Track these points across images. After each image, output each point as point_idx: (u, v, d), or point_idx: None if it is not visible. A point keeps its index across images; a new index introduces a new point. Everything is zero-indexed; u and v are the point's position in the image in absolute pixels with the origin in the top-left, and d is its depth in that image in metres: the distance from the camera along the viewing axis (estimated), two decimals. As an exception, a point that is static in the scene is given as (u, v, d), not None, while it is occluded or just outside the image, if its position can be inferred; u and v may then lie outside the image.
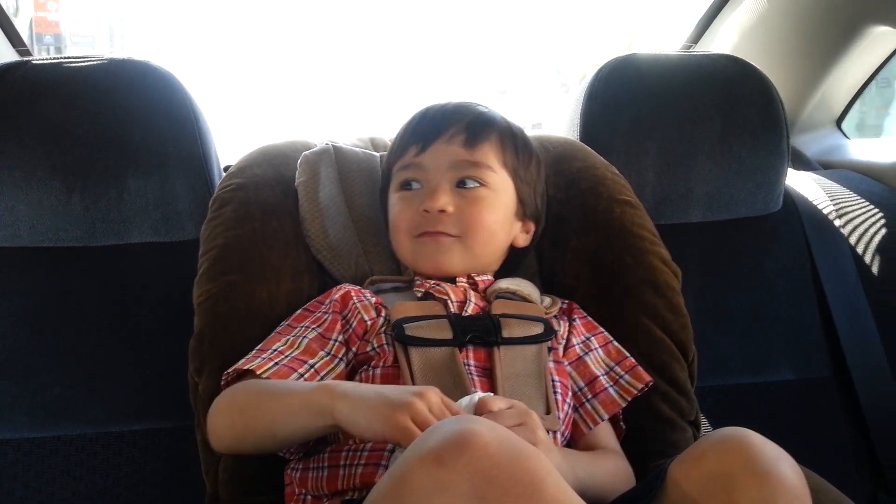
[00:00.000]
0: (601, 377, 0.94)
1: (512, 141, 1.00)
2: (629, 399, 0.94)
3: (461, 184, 0.96)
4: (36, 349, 1.13)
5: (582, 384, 0.94)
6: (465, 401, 0.75)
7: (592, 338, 0.98)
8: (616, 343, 0.97)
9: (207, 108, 1.25)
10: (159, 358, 1.13)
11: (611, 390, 0.94)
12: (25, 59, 1.21)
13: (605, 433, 0.94)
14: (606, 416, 0.93)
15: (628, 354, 0.96)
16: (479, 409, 0.73)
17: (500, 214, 0.97)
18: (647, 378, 0.94)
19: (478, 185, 0.96)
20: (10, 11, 1.53)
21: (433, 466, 0.55)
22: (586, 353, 0.96)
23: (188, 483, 0.98)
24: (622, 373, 0.95)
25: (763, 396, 1.26)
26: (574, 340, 0.96)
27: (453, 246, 0.95)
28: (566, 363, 0.94)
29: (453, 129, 0.97)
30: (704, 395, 1.08)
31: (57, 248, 1.16)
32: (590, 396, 0.94)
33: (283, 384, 0.82)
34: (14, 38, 1.45)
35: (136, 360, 1.14)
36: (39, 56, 1.23)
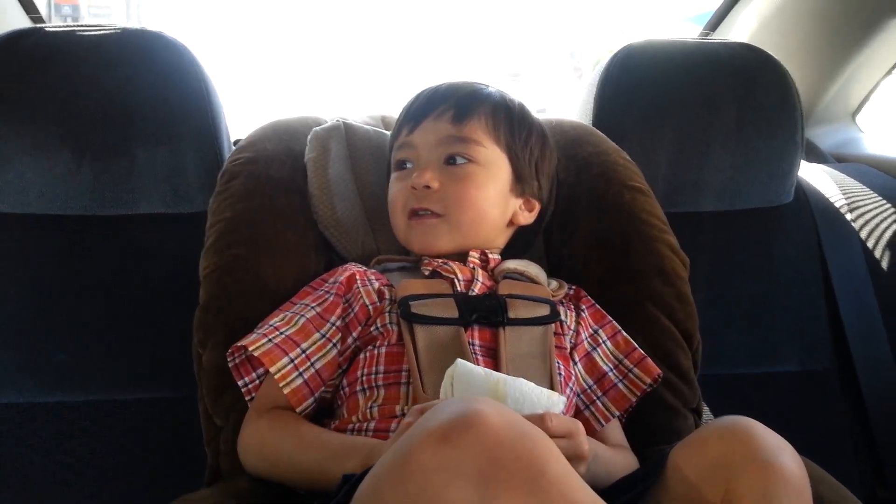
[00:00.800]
0: (609, 373, 0.94)
1: (506, 116, 0.99)
2: (639, 394, 0.94)
3: (451, 161, 0.95)
4: (43, 315, 1.13)
5: (591, 382, 0.94)
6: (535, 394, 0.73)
7: (600, 330, 0.97)
8: (624, 333, 0.97)
9: (219, 80, 1.25)
10: (165, 328, 1.13)
11: (620, 386, 0.94)
12: (38, 25, 1.20)
13: (615, 430, 0.94)
14: (617, 413, 0.93)
15: (637, 346, 0.96)
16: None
17: (489, 191, 0.96)
18: (657, 371, 0.94)
19: (466, 161, 0.95)
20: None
21: (438, 444, 0.54)
22: (594, 349, 0.96)
23: (190, 453, 0.98)
24: (631, 366, 0.95)
25: (766, 386, 1.26)
26: (583, 335, 0.96)
27: (439, 226, 0.95)
28: (577, 358, 0.94)
29: (443, 106, 0.97)
30: (708, 383, 1.07)
31: (65, 216, 1.16)
32: (600, 394, 0.94)
33: (317, 441, 0.81)
34: (28, 6, 1.44)
35: (142, 330, 1.15)
36: (53, 24, 1.22)
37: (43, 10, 1.52)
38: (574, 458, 0.71)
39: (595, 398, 0.94)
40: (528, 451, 0.55)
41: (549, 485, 0.54)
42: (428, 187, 0.94)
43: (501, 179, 0.98)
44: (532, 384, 0.74)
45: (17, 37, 1.14)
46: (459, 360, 0.74)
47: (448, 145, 0.96)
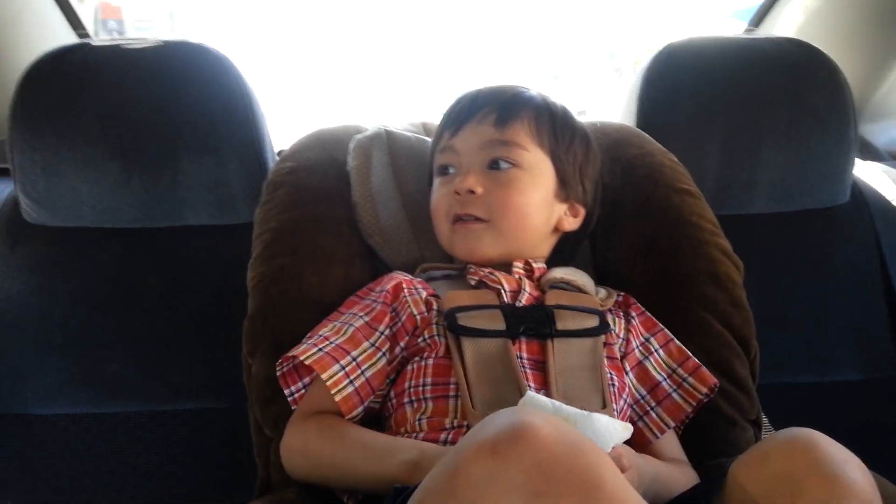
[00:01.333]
0: (663, 383, 0.92)
1: (549, 120, 0.97)
2: (695, 404, 0.91)
3: (494, 165, 0.94)
4: (95, 327, 1.16)
5: (644, 392, 0.92)
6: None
7: (652, 338, 0.95)
8: (677, 341, 0.94)
9: (261, 91, 1.26)
10: (215, 339, 1.14)
11: (675, 395, 0.91)
12: (85, 41, 1.23)
13: (671, 442, 0.92)
14: (673, 424, 0.91)
15: (691, 354, 0.93)
16: None
17: (533, 196, 0.94)
18: (713, 381, 0.91)
19: (510, 165, 0.94)
20: (76, -1, 1.56)
21: (488, 457, 0.53)
22: (646, 358, 0.93)
23: (240, 463, 0.99)
24: (685, 375, 0.92)
25: (827, 397, 1.22)
26: (633, 343, 0.93)
27: (484, 232, 0.93)
28: (628, 368, 0.92)
29: (485, 110, 0.96)
30: (764, 393, 1.04)
31: (116, 229, 1.18)
32: (654, 404, 0.92)
33: (361, 441, 0.81)
34: (74, 22, 1.47)
35: (192, 341, 1.16)
36: (99, 38, 1.24)
37: (89, 26, 1.55)
38: None
39: (649, 409, 0.91)
40: (581, 463, 0.53)
41: (604, 499, 0.52)
42: (472, 192, 0.93)
43: (546, 184, 0.96)
44: (605, 418, 0.71)
45: (64, 53, 1.17)
46: (529, 394, 0.72)
47: (491, 149, 0.94)
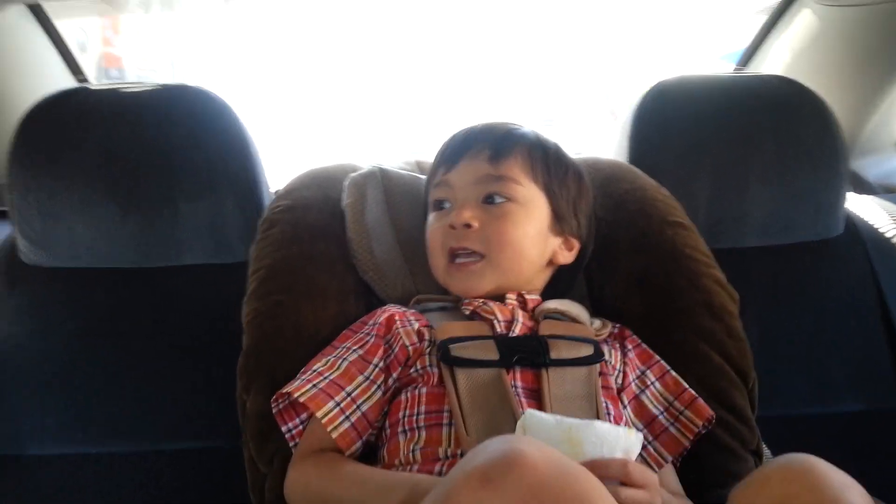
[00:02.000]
0: (660, 416, 0.92)
1: (542, 155, 0.99)
2: (691, 438, 0.91)
3: (489, 200, 0.95)
4: (90, 367, 1.15)
5: (641, 426, 0.92)
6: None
7: (648, 371, 0.95)
8: (674, 373, 0.94)
9: (258, 132, 1.27)
10: (210, 378, 1.14)
11: (672, 429, 0.91)
12: (83, 84, 1.25)
13: (669, 476, 0.91)
14: (671, 458, 0.90)
15: (687, 386, 0.93)
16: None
17: (528, 229, 0.95)
18: (709, 413, 0.91)
19: (504, 200, 0.95)
20: (79, 47, 1.60)
21: (479, 485, 0.53)
22: (643, 391, 0.93)
23: (238, 501, 0.98)
24: (682, 408, 0.92)
25: (829, 428, 1.21)
26: (630, 376, 0.93)
27: (482, 269, 0.94)
28: (626, 402, 0.92)
29: (479, 146, 0.98)
30: (766, 424, 1.03)
31: (112, 269, 1.18)
32: (651, 439, 0.91)
33: (357, 479, 0.80)
34: (74, 69, 1.50)
35: (188, 381, 1.15)
36: (97, 83, 1.27)
37: (91, 74, 1.58)
38: None
39: (646, 443, 0.91)
40: (572, 489, 0.53)
41: None
42: (468, 226, 0.94)
43: (540, 218, 0.97)
44: (607, 425, 0.72)
45: (63, 96, 1.19)
46: (529, 411, 0.72)
47: (486, 184, 0.96)
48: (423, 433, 0.82)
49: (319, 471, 0.83)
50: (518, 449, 0.54)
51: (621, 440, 0.71)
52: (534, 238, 0.96)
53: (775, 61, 1.64)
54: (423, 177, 1.16)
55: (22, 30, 1.44)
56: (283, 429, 0.89)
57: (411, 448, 0.82)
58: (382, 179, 1.11)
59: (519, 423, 0.72)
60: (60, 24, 1.50)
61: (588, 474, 0.55)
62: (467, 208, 0.95)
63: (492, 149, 0.97)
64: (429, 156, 1.24)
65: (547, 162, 0.99)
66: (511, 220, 0.94)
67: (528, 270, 0.97)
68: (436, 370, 0.86)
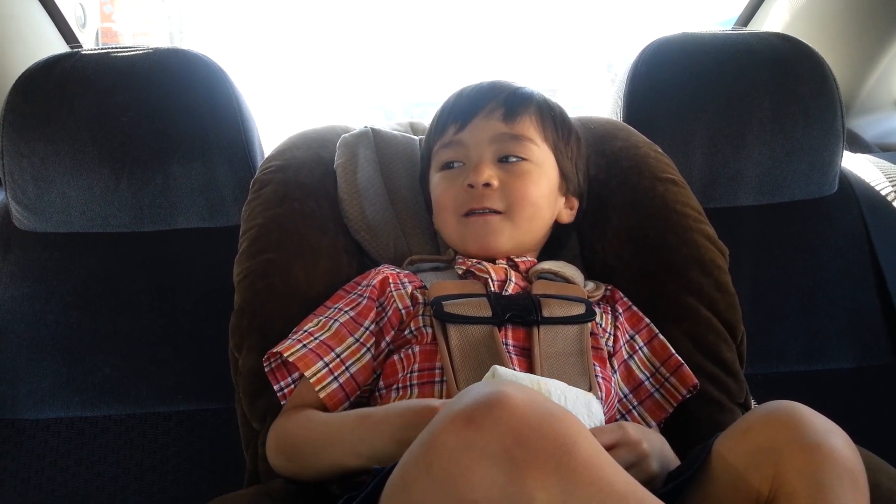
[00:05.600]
0: (645, 382, 0.93)
1: (550, 115, 1.00)
2: (675, 404, 0.92)
3: (504, 159, 0.95)
4: (86, 331, 1.16)
5: (627, 391, 0.92)
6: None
7: (637, 335, 0.95)
8: (661, 337, 0.94)
9: (254, 97, 1.27)
10: (205, 341, 1.15)
11: (656, 395, 0.92)
12: (75, 49, 1.24)
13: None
14: (654, 423, 0.91)
15: (673, 351, 0.93)
16: None
17: (544, 188, 0.96)
18: (693, 381, 0.92)
19: (520, 159, 0.95)
20: (78, 23, 1.59)
21: (462, 426, 0.53)
22: (631, 357, 0.94)
23: (234, 462, 0.99)
24: (667, 374, 0.92)
25: (820, 384, 1.21)
26: (621, 341, 0.94)
27: (502, 224, 0.94)
28: (615, 366, 0.92)
29: (491, 104, 0.97)
30: (757, 382, 1.04)
31: (106, 234, 1.19)
32: (636, 403, 0.92)
33: (318, 430, 0.81)
34: (67, 35, 1.49)
35: (183, 344, 1.16)
36: (89, 48, 1.26)
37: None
38: (638, 461, 0.73)
39: (631, 407, 0.92)
40: (554, 430, 0.53)
41: (578, 463, 0.52)
42: (488, 185, 0.93)
43: (552, 178, 0.98)
44: (567, 385, 0.73)
45: (54, 61, 1.18)
46: (497, 367, 0.73)
47: (501, 143, 0.96)
48: (416, 390, 0.83)
49: (289, 420, 0.84)
50: (502, 391, 0.55)
51: (581, 398, 0.73)
52: (548, 197, 0.97)
53: (774, 20, 1.62)
54: (416, 137, 1.15)
55: (14, -4, 1.43)
56: (276, 387, 0.90)
57: None
58: (375, 139, 1.11)
59: (486, 377, 0.73)
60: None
61: (571, 416, 0.56)
62: (486, 167, 0.94)
63: (506, 106, 0.97)
64: (423, 118, 1.24)
65: (555, 122, 1.00)
66: (531, 179, 0.95)
67: (540, 230, 0.98)
68: (429, 329, 0.86)
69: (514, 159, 0.95)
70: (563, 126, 1.01)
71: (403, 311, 0.89)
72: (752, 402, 0.99)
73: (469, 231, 0.95)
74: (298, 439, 0.82)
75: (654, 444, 0.77)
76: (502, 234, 0.94)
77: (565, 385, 0.73)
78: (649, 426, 0.91)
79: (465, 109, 0.98)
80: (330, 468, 0.78)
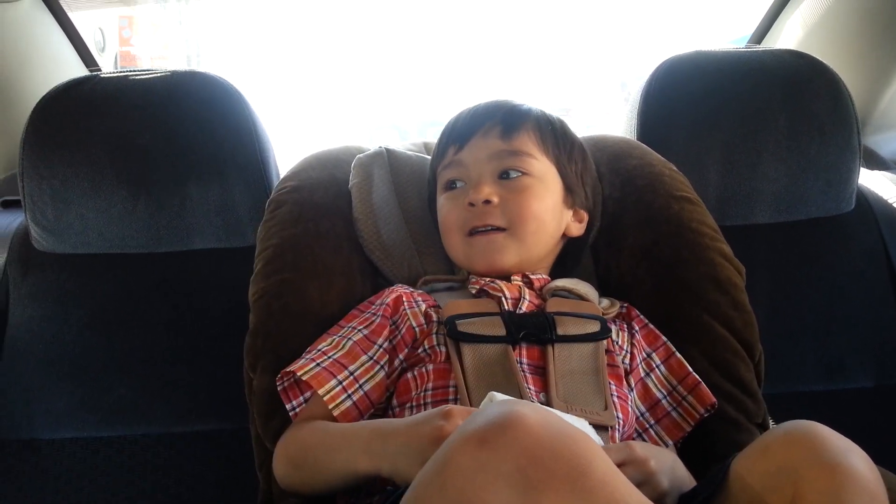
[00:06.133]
0: (663, 401, 0.92)
1: (550, 129, 1.00)
2: (693, 423, 0.91)
3: (504, 175, 0.96)
4: (103, 352, 1.16)
5: (644, 409, 0.92)
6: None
7: (654, 353, 0.94)
8: (678, 355, 0.94)
9: (270, 117, 1.28)
10: (221, 361, 1.15)
11: (674, 414, 0.91)
12: (94, 73, 1.26)
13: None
14: (671, 442, 0.90)
15: (691, 370, 0.92)
16: None
17: (547, 202, 0.96)
18: (711, 399, 0.91)
19: (520, 174, 0.95)
20: (98, 47, 1.62)
21: (476, 447, 0.53)
22: (648, 375, 0.93)
23: (248, 482, 0.99)
24: (685, 393, 0.92)
25: (839, 404, 1.20)
26: (637, 359, 0.93)
27: (506, 242, 0.94)
28: (632, 384, 0.92)
29: (489, 123, 0.98)
30: (776, 402, 1.03)
31: (123, 255, 1.20)
32: (653, 422, 0.91)
33: (324, 439, 0.81)
34: (87, 59, 1.52)
35: (198, 364, 1.17)
36: (108, 71, 1.28)
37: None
38: (646, 479, 0.72)
39: (648, 426, 0.91)
40: (569, 450, 0.53)
41: (594, 484, 0.52)
42: (488, 202, 0.94)
43: (555, 191, 0.98)
44: (563, 413, 0.72)
45: (74, 84, 1.20)
46: (493, 393, 0.72)
47: (500, 160, 0.96)
48: (429, 409, 0.82)
49: (298, 430, 0.84)
50: (516, 411, 0.55)
51: (578, 425, 0.71)
52: (552, 211, 0.97)
53: (788, 37, 1.62)
54: (430, 157, 1.16)
55: (36, 21, 1.46)
56: (288, 406, 0.89)
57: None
58: (389, 160, 1.12)
59: (483, 402, 0.72)
60: (76, 17, 1.52)
61: (585, 436, 0.55)
62: (485, 185, 0.95)
63: (503, 124, 0.97)
64: (437, 138, 1.24)
65: (555, 135, 1.00)
66: (532, 194, 0.95)
67: (547, 244, 0.98)
68: (443, 348, 0.86)
69: (514, 174, 0.95)
70: (564, 139, 1.01)
71: (417, 329, 0.89)
72: (771, 421, 0.98)
73: (474, 250, 0.95)
74: (309, 443, 0.82)
75: (664, 463, 0.76)
76: (508, 251, 0.94)
77: (561, 413, 0.72)
78: (666, 445, 0.90)
79: (464, 129, 0.99)
80: (343, 472, 0.77)
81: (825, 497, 0.59)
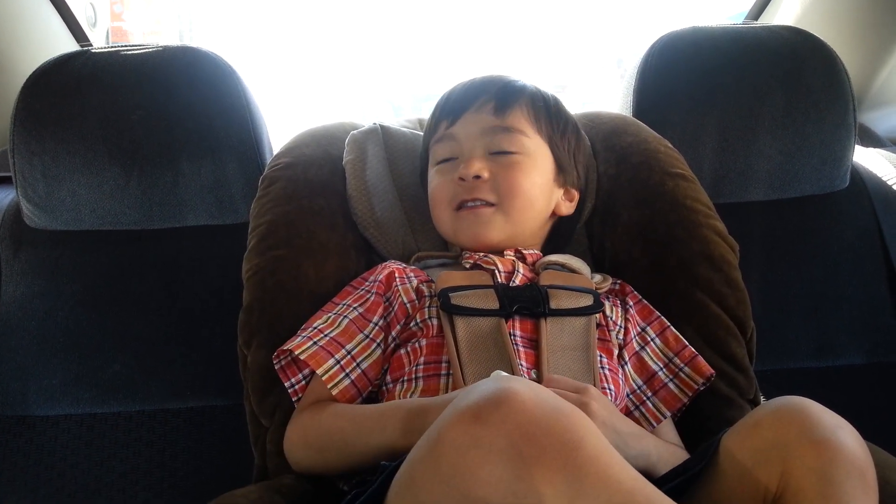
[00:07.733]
0: (659, 373, 0.92)
1: (544, 106, 0.99)
2: (690, 394, 0.91)
3: (496, 151, 0.95)
4: (96, 328, 1.16)
5: (640, 382, 0.92)
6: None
7: (648, 327, 0.95)
8: (673, 329, 0.94)
9: (263, 93, 1.27)
10: (214, 337, 1.16)
11: (671, 385, 0.91)
12: (85, 48, 1.25)
13: (668, 430, 0.91)
14: (669, 414, 0.91)
15: (687, 343, 0.93)
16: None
17: (537, 179, 0.96)
18: (709, 370, 0.91)
19: (512, 151, 0.95)
20: (89, 22, 1.60)
21: (470, 422, 0.53)
22: (643, 348, 0.93)
23: (243, 458, 0.99)
24: (682, 364, 0.92)
25: (832, 381, 1.21)
26: (631, 333, 0.93)
27: (493, 216, 0.94)
28: (626, 358, 0.92)
29: (482, 98, 0.97)
30: (768, 378, 1.03)
31: (116, 231, 1.19)
32: (650, 394, 0.92)
33: (354, 421, 0.80)
34: (77, 34, 1.50)
35: (193, 340, 1.17)
36: (98, 46, 1.26)
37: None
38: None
39: (645, 398, 0.91)
40: (562, 426, 0.53)
41: (586, 460, 0.52)
42: (478, 177, 0.93)
43: (546, 169, 0.97)
44: None
45: (65, 60, 1.18)
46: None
47: (492, 135, 0.96)
48: (421, 383, 0.83)
49: (316, 415, 0.84)
50: (509, 387, 0.55)
51: None
52: (542, 188, 0.97)
53: (785, 13, 1.61)
54: (424, 132, 1.15)
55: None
56: (286, 384, 0.90)
57: (408, 398, 0.82)
58: (384, 136, 1.11)
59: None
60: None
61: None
62: (476, 159, 0.94)
63: (496, 100, 0.97)
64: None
65: (549, 114, 1.00)
66: (522, 170, 0.95)
67: (536, 221, 0.98)
68: (435, 321, 0.86)
69: (507, 151, 0.95)
70: (558, 117, 1.01)
71: (409, 305, 0.89)
72: (762, 398, 0.99)
73: (461, 224, 0.96)
74: (335, 427, 0.81)
75: (622, 424, 0.79)
76: (494, 226, 0.94)
77: None
78: (664, 417, 0.90)
79: (457, 104, 0.99)
80: (376, 451, 0.77)
81: (814, 473, 0.60)
